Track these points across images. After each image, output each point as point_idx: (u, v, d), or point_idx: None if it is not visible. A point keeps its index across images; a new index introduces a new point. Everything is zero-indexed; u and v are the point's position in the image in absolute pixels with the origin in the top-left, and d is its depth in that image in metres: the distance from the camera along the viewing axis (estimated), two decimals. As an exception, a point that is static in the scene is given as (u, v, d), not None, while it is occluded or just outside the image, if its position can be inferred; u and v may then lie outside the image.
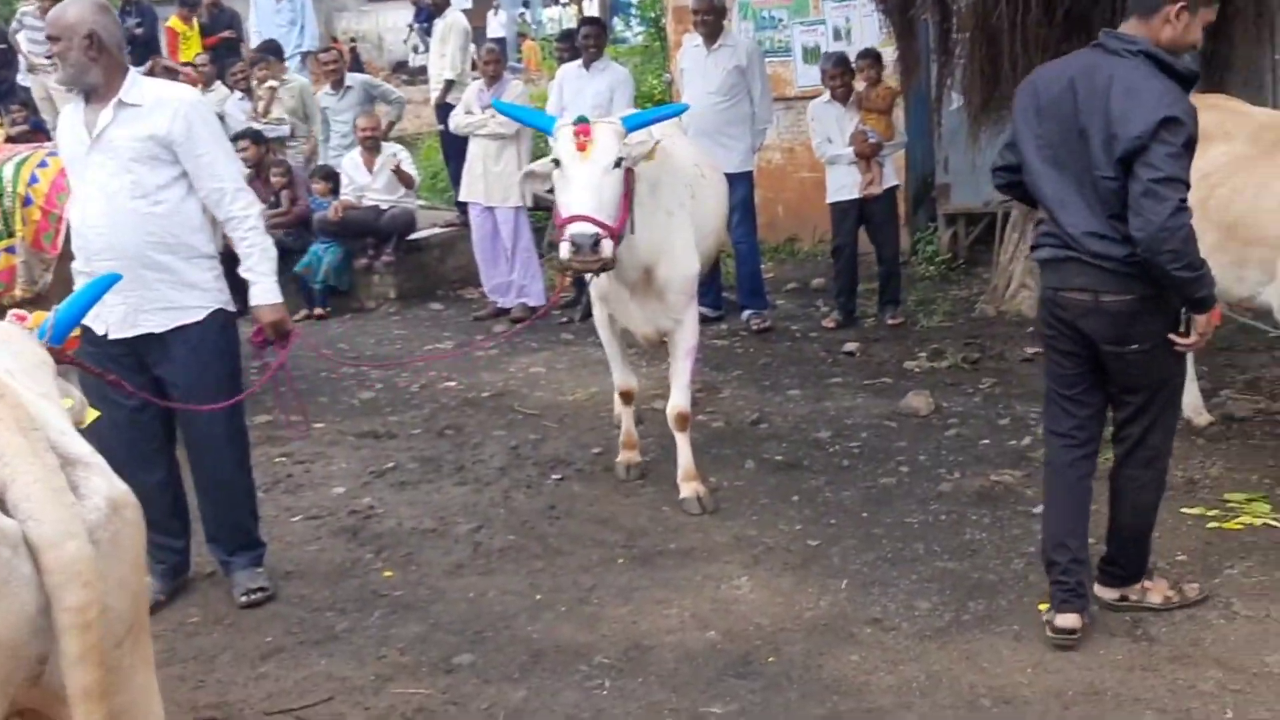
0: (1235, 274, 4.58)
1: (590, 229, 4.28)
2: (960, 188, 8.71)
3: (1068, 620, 3.64)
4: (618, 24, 19.87)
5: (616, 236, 4.41)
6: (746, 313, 7.69)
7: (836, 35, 9.26)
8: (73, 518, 2.09)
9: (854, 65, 7.47)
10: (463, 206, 8.92)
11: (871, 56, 7.47)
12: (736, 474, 5.30)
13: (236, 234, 4.15)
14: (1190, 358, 5.01)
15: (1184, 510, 4.52)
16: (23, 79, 10.84)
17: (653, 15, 14.11)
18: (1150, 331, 3.51)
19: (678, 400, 5.05)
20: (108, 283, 3.40)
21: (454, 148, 9.15)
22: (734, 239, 7.70)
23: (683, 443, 5.05)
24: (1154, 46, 3.43)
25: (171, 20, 12.11)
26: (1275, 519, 4.38)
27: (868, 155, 7.33)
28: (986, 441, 5.44)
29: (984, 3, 6.64)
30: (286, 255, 7.36)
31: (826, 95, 7.47)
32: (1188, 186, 3.34)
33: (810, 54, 9.31)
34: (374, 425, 6.31)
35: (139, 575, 2.32)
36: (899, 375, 6.52)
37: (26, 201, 5.29)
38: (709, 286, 7.78)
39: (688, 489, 4.98)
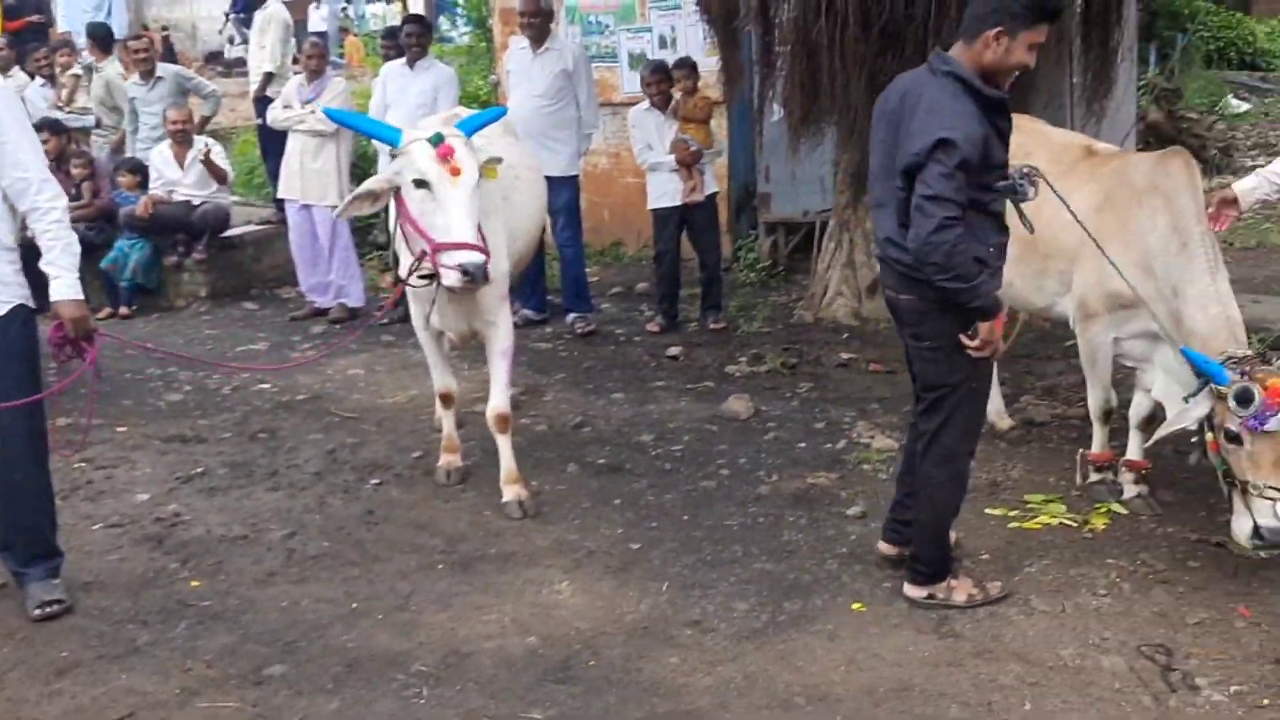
0: (1035, 285, 4.81)
1: (481, 257, 4.32)
2: (780, 197, 8.91)
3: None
4: (443, 23, 19.65)
5: None
6: (571, 316, 7.69)
7: (662, 43, 9.36)
8: None
9: (672, 74, 7.53)
10: (280, 203, 8.66)
11: (688, 66, 7.53)
12: (559, 478, 5.29)
13: (39, 226, 3.95)
14: (995, 365, 5.25)
15: (987, 511, 4.71)
16: None
17: (479, 16, 14.01)
18: (939, 331, 3.73)
19: (497, 402, 5.01)
20: None
21: (272, 143, 8.88)
22: (559, 242, 7.70)
23: (504, 445, 5.01)
24: (967, 69, 3.61)
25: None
26: (1070, 518, 4.61)
27: (688, 163, 7.38)
28: (803, 445, 5.57)
29: (804, 17, 6.80)
30: (89, 250, 7.02)
31: (646, 102, 7.51)
32: (960, 206, 3.52)
33: (636, 60, 9.37)
34: (182, 429, 6.07)
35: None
36: (721, 379, 6.62)
37: None
38: (533, 289, 7.79)
39: (510, 492, 4.94)
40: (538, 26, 7.48)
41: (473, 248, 4.31)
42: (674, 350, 7.12)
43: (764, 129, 8.02)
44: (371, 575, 4.39)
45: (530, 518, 4.85)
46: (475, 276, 4.30)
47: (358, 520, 4.90)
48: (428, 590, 4.26)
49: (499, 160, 4.73)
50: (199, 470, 5.49)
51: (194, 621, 4.08)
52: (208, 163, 8.57)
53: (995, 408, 5.48)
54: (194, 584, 4.36)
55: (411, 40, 7.74)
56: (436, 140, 4.36)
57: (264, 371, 6.89)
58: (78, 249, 4.03)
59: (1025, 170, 3.80)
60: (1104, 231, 4.29)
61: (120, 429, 6.08)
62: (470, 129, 4.60)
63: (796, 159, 7.29)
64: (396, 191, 4.51)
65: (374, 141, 8.17)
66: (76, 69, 9.70)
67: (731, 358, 6.96)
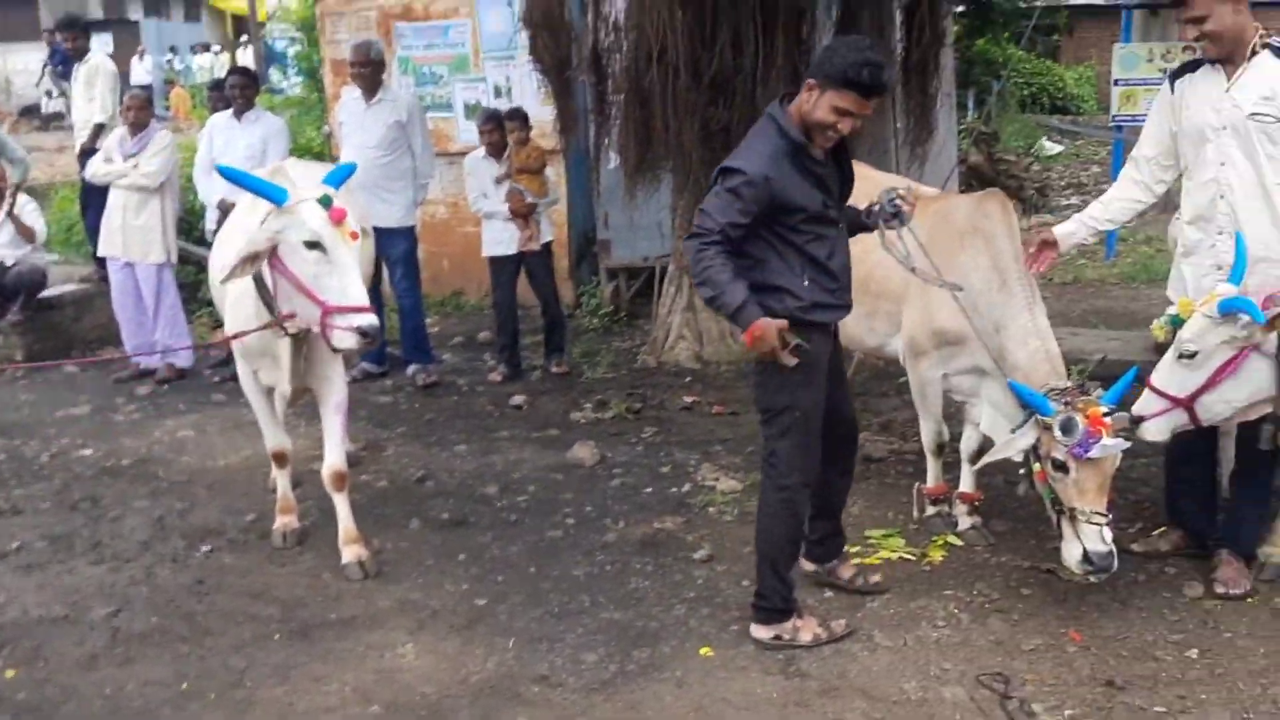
0: (867, 325, 4.92)
1: (375, 318, 4.29)
2: (620, 243, 8.96)
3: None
4: (274, 74, 19.31)
5: None
6: (412, 368, 7.56)
7: (497, 92, 9.36)
8: None
9: (504, 123, 7.50)
10: (101, 261, 8.30)
11: (520, 117, 7.47)
12: (401, 534, 5.16)
13: None
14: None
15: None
16: None
17: (310, 66, 13.80)
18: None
19: (333, 459, 4.88)
20: None
21: (92, 198, 8.51)
22: (397, 293, 7.57)
23: (342, 504, 4.86)
24: (788, 115, 3.77)
25: None
26: (909, 552, 4.70)
27: (522, 214, 7.34)
28: (649, 490, 5.56)
29: (636, 67, 6.88)
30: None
31: (482, 150, 7.48)
32: (720, 225, 3.69)
33: (471, 110, 9.35)
34: (-5, 501, 5.73)
35: None
36: (565, 426, 6.58)
37: None
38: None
39: (349, 553, 4.79)
40: (369, 77, 7.38)
41: (368, 310, 4.24)
42: (518, 399, 7.06)
43: (601, 176, 8.06)
44: (203, 651, 4.19)
45: (371, 578, 4.71)
46: (372, 337, 4.24)
47: (188, 591, 4.67)
48: (263, 663, 4.08)
49: (368, 234, 4.71)
50: (15, 545, 5.17)
51: (8, 716, 3.81)
52: (15, 220, 8.17)
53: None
54: (9, 673, 4.08)
55: (236, 92, 7.55)
56: (326, 203, 4.25)
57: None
58: None
59: (894, 195, 3.94)
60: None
61: (-76, 504, 5.71)
62: (336, 182, 4.49)
63: (634, 205, 7.35)
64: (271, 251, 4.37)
65: (200, 197, 7.97)
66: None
67: (576, 404, 6.94)
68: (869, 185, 5.03)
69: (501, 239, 7.46)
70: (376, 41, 7.91)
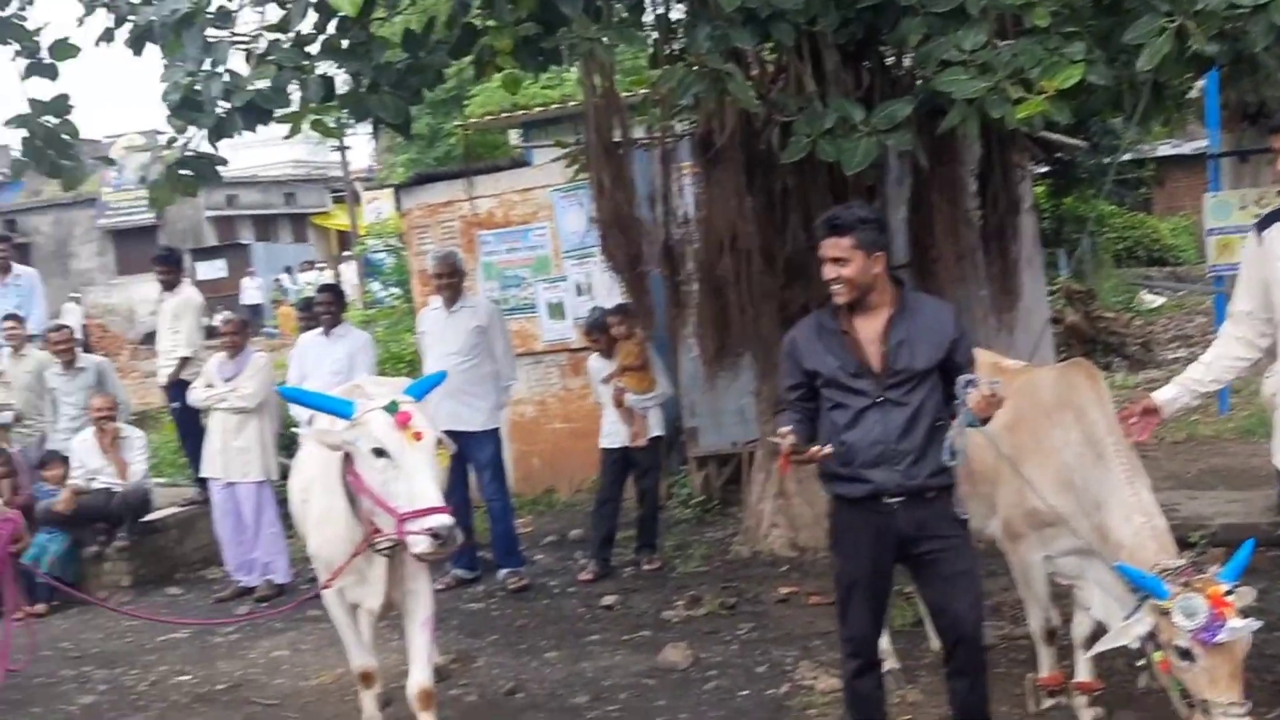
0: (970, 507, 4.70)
1: (451, 520, 4.16)
2: (707, 431, 8.88)
3: None
4: (376, 287, 20.03)
5: None
6: (502, 572, 7.47)
7: (579, 290, 9.50)
8: None
9: (606, 322, 7.65)
10: (203, 482, 8.47)
11: (621, 313, 7.60)
12: (491, 754, 4.97)
13: None
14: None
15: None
16: None
17: (401, 277, 14.27)
18: None
19: (419, 678, 4.74)
20: None
21: (189, 425, 8.75)
22: (485, 496, 7.56)
23: None
24: None
25: None
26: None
27: (623, 406, 7.51)
28: (745, 693, 5.30)
29: (708, 257, 6.93)
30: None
31: (597, 354, 7.75)
32: (781, 392, 4.02)
33: (555, 309, 9.49)
34: (93, 736, 5.69)
35: None
36: (657, 626, 6.38)
37: None
38: (462, 547, 7.55)
39: (437, 776, 4.62)
40: (453, 286, 7.55)
41: (443, 510, 4.16)
42: (609, 599, 6.90)
43: (682, 365, 8.05)
44: None
45: (459, 802, 4.52)
46: (447, 540, 4.13)
47: (273, 827, 4.53)
48: None
49: (448, 445, 4.73)
50: (106, 783, 5.11)
51: None
52: (114, 455, 8.43)
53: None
54: None
55: (321, 309, 7.78)
56: (393, 409, 4.27)
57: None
58: None
59: (965, 382, 3.76)
60: (1019, 450, 4.24)
61: (25, 741, 5.70)
62: (419, 393, 4.54)
63: (717, 392, 7.29)
64: (346, 464, 4.40)
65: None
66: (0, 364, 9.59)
67: (668, 601, 6.73)
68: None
69: (612, 431, 7.62)
70: (455, 251, 8.12)
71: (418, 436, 4.25)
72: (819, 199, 6.74)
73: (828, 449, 3.74)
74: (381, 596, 4.77)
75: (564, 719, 5.26)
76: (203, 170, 6.00)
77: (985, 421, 3.77)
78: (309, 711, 5.74)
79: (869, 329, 3.87)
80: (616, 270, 7.15)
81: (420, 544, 4.15)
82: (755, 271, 6.79)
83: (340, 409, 4.39)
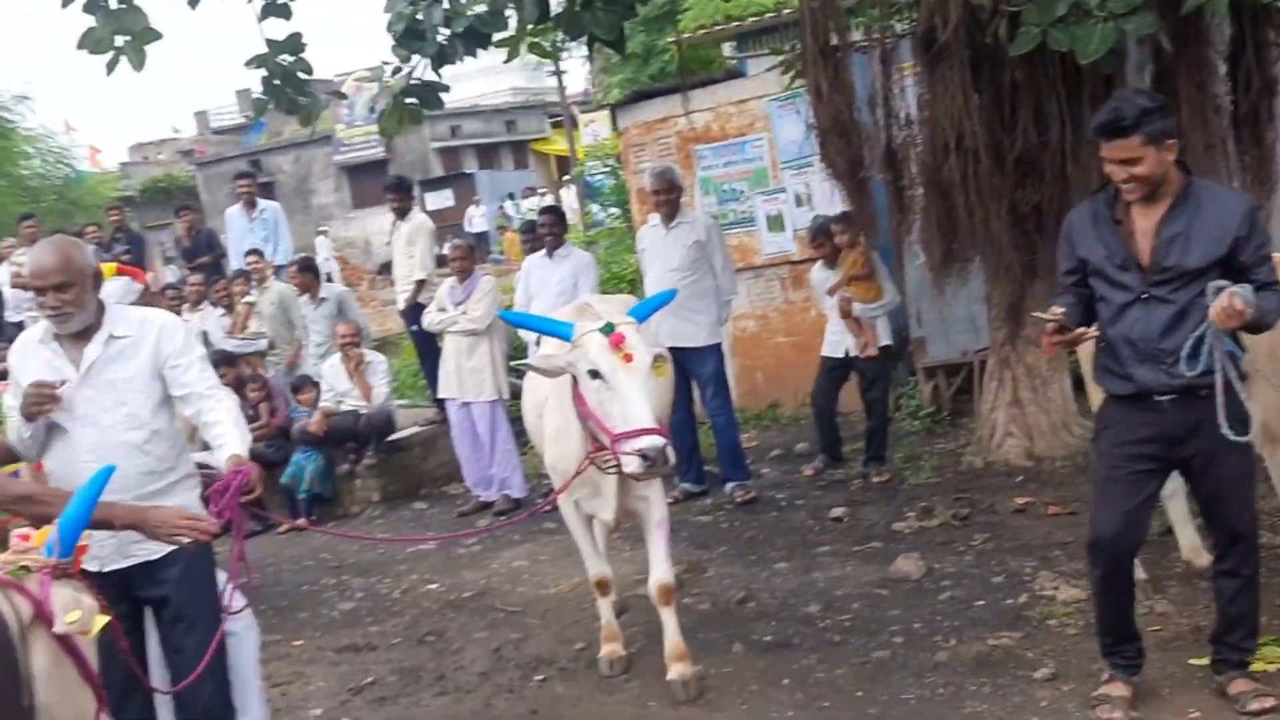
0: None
1: (661, 440, 4.24)
2: (935, 340, 8.66)
3: None
4: (596, 209, 20.29)
5: None
6: (729, 485, 7.54)
7: (799, 201, 9.36)
8: None
9: (831, 230, 7.58)
10: (441, 403, 8.86)
11: (844, 220, 7.51)
12: (724, 659, 5.06)
13: (207, 411, 3.91)
14: (1181, 499, 4.86)
15: (1191, 662, 4.27)
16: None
17: (620, 198, 14.40)
18: None
19: (660, 574, 4.88)
20: (103, 478, 3.21)
21: (427, 346, 9.15)
22: (710, 411, 7.61)
23: (669, 619, 4.84)
24: None
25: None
26: (1288, 662, 4.13)
27: (851, 316, 7.46)
28: (982, 603, 5.21)
29: (933, 158, 6.70)
30: (268, 468, 7.31)
31: (820, 263, 7.75)
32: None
33: (774, 222, 9.39)
34: (354, 638, 6.10)
35: None
36: (888, 538, 6.32)
37: None
38: (689, 462, 7.67)
39: (675, 670, 4.75)
40: (671, 202, 7.56)
41: (652, 432, 4.24)
42: (838, 511, 6.87)
43: (908, 273, 7.86)
44: (533, 783, 4.23)
45: (695, 701, 4.63)
46: (656, 461, 4.21)
47: (521, 722, 4.77)
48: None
49: (665, 359, 4.73)
50: (369, 680, 5.47)
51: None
52: (359, 378, 8.88)
53: (1190, 544, 5.05)
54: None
55: (546, 230, 7.94)
56: (608, 330, 4.37)
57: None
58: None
59: (1214, 288, 3.52)
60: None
61: (296, 643, 6.15)
62: (643, 315, 4.62)
63: (943, 300, 7.09)
64: (573, 384, 4.53)
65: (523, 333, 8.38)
66: (251, 296, 10.27)
67: (899, 513, 6.66)
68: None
69: (831, 340, 7.64)
70: (672, 167, 8.12)
71: (628, 358, 4.32)
72: (1050, 92, 6.42)
73: (1092, 330, 3.65)
74: (614, 509, 4.90)
75: (796, 627, 5.30)
76: (427, 98, 6.19)
77: (1232, 334, 3.52)
78: (549, 618, 5.97)
79: (1146, 219, 3.63)
80: (837, 177, 7.01)
81: (631, 464, 4.25)
82: (983, 172, 6.53)
83: (560, 331, 4.49)
